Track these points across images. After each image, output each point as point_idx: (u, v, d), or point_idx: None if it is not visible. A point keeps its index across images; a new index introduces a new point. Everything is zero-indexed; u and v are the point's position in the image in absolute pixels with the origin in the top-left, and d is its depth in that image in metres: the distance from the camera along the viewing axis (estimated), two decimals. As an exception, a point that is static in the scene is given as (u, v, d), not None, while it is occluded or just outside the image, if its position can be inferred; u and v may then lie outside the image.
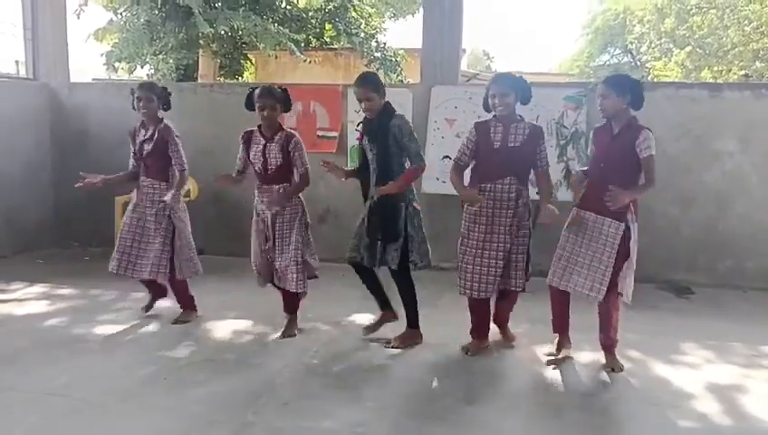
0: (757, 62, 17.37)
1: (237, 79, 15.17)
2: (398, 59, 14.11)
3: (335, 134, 6.28)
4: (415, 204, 3.93)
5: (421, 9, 6.55)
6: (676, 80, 16.88)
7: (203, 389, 3.38)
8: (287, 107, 4.18)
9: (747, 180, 5.62)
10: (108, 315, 4.58)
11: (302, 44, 13.07)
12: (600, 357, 3.75)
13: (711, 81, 16.30)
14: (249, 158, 4.14)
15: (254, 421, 3.03)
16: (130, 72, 13.37)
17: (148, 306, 4.60)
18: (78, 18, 11.20)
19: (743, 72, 17.07)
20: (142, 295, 4.73)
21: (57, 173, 6.97)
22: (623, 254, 3.54)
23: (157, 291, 4.59)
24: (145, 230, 4.35)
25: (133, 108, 4.34)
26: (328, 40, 15.42)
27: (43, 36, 6.96)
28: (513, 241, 3.73)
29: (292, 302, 4.23)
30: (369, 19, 15.97)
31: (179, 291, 4.52)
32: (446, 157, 5.79)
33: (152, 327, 4.36)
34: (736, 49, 17.36)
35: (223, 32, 11.79)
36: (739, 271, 5.64)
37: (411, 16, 16.50)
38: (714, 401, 3.35)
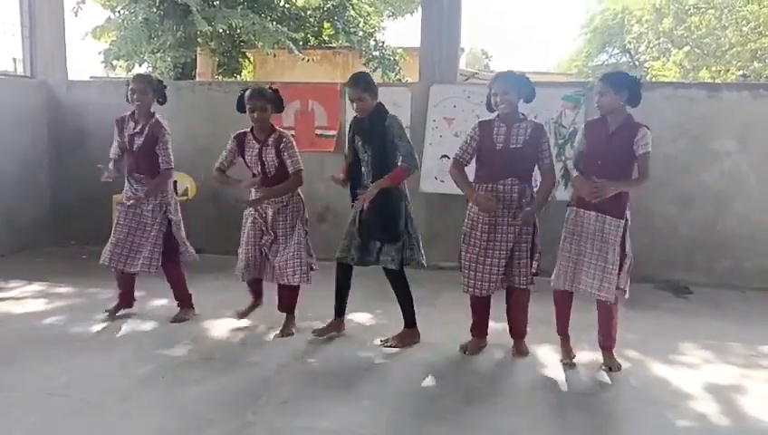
0: (755, 62, 17.43)
1: (235, 77, 15.16)
2: (396, 58, 14.11)
3: (333, 133, 6.27)
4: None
5: (420, 8, 6.55)
6: (675, 80, 16.92)
7: (201, 387, 3.38)
8: (279, 108, 4.15)
9: (745, 180, 5.62)
10: (106, 314, 4.56)
11: (301, 43, 13.06)
12: (599, 357, 3.75)
13: (709, 81, 16.34)
14: (246, 162, 4.13)
15: (253, 421, 3.03)
16: (128, 70, 13.32)
17: (114, 311, 4.48)
18: (76, 16, 11.20)
19: (741, 72, 17.12)
20: (140, 294, 4.72)
21: (55, 171, 6.96)
22: (623, 250, 3.56)
23: (126, 297, 4.52)
24: (140, 224, 4.34)
25: (127, 100, 4.31)
26: (326, 38, 15.42)
27: (40, 34, 6.94)
28: (517, 239, 3.72)
29: (289, 298, 4.23)
30: (368, 18, 15.98)
31: (177, 289, 4.52)
32: (445, 156, 5.79)
33: (150, 326, 4.35)
34: (734, 49, 17.41)
35: (221, 30, 11.77)
36: (737, 271, 5.65)
37: (410, 15, 16.49)
38: (712, 400, 3.35)
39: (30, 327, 4.29)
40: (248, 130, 4.13)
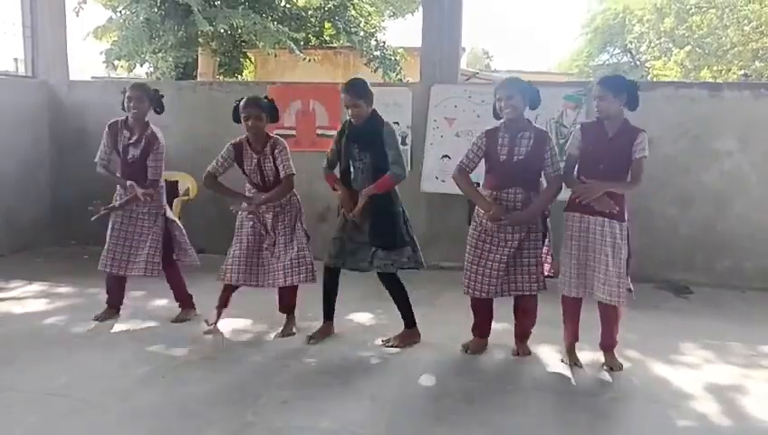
0: (756, 62, 17.41)
1: (237, 77, 15.17)
2: (397, 57, 14.11)
3: (335, 133, 6.25)
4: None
5: (421, 8, 6.54)
6: (676, 79, 16.92)
7: (201, 387, 3.38)
8: (273, 118, 4.13)
9: (746, 180, 5.62)
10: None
11: (302, 43, 13.08)
12: (600, 356, 3.75)
13: (710, 80, 16.32)
14: (244, 172, 4.13)
15: (253, 421, 3.03)
16: (130, 70, 13.36)
17: (104, 316, 4.44)
18: (77, 16, 11.24)
19: (742, 72, 17.11)
20: (141, 294, 4.73)
21: (55, 171, 6.96)
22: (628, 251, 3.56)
23: (115, 301, 4.50)
24: (136, 229, 4.33)
25: (123, 108, 4.27)
26: (327, 38, 15.43)
27: (42, 34, 6.94)
28: (522, 244, 3.70)
29: (290, 299, 4.24)
30: (369, 18, 15.99)
31: (178, 290, 4.52)
32: (446, 156, 5.79)
33: (150, 326, 4.36)
34: (736, 49, 17.40)
35: (222, 30, 11.78)
36: (737, 271, 5.64)
37: (411, 15, 16.49)
38: (713, 400, 3.35)
39: (30, 327, 4.30)
40: (244, 139, 4.11)
